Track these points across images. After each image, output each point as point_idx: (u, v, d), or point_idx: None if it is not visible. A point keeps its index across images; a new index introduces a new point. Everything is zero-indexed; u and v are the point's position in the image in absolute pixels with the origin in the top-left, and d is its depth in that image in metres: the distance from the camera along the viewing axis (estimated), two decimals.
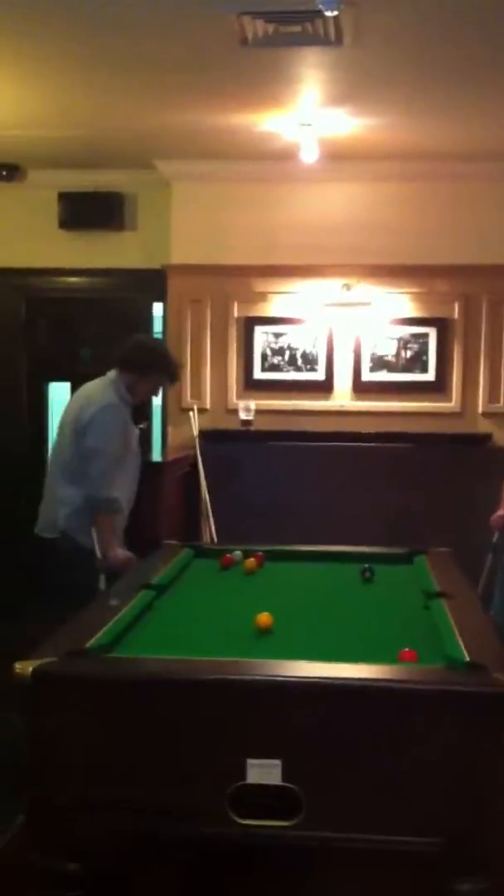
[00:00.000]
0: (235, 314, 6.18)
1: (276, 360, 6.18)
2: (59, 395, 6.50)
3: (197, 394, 6.11)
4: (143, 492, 4.26)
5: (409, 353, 6.12)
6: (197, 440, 5.88)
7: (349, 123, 5.14)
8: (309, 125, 5.04)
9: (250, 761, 2.10)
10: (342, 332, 6.11)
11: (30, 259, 6.38)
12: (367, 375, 6.13)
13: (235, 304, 6.17)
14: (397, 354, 6.12)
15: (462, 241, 6.01)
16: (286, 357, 6.17)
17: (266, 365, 6.18)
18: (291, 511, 5.52)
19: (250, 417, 6.05)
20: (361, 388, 6.14)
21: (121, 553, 3.83)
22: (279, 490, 5.74)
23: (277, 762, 2.09)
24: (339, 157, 5.66)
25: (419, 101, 4.82)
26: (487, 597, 4.21)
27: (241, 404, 6.10)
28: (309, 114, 4.95)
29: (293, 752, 2.11)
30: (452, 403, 6.11)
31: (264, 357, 6.18)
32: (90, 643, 2.42)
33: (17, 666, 2.21)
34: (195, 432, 5.91)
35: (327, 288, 6.07)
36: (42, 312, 6.60)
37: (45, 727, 2.18)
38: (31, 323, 6.60)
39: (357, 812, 2.13)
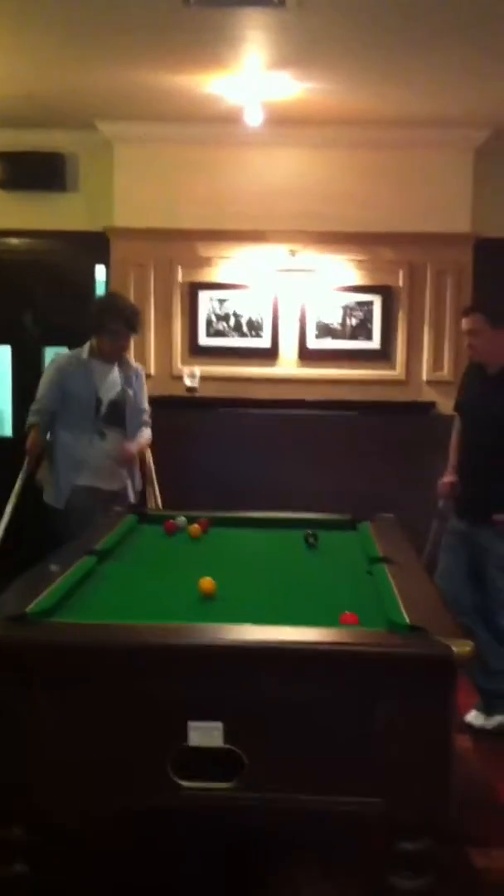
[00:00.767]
0: (180, 279, 6.11)
1: (220, 325, 6.13)
2: None
3: (141, 359, 6.00)
4: None
5: (354, 321, 6.12)
6: None
7: (294, 87, 5.08)
8: (252, 88, 4.96)
9: (192, 723, 2.10)
10: (288, 298, 6.08)
11: None
12: (312, 343, 6.12)
13: (180, 269, 6.09)
14: (342, 322, 6.11)
15: (407, 209, 5.99)
16: (231, 323, 6.13)
17: (211, 331, 6.13)
18: (238, 478, 5.50)
19: (195, 384, 6.00)
20: (307, 356, 6.12)
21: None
22: (225, 457, 5.72)
23: (219, 724, 2.10)
24: (285, 121, 5.60)
25: (364, 67, 4.78)
26: (432, 563, 4.25)
27: (186, 370, 6.03)
28: (253, 76, 4.88)
29: (235, 715, 2.12)
30: (397, 371, 6.14)
31: (209, 323, 6.13)
32: (30, 608, 2.39)
33: None
34: None
35: (273, 254, 6.03)
36: None
37: None
38: None
39: (299, 773, 2.14)
